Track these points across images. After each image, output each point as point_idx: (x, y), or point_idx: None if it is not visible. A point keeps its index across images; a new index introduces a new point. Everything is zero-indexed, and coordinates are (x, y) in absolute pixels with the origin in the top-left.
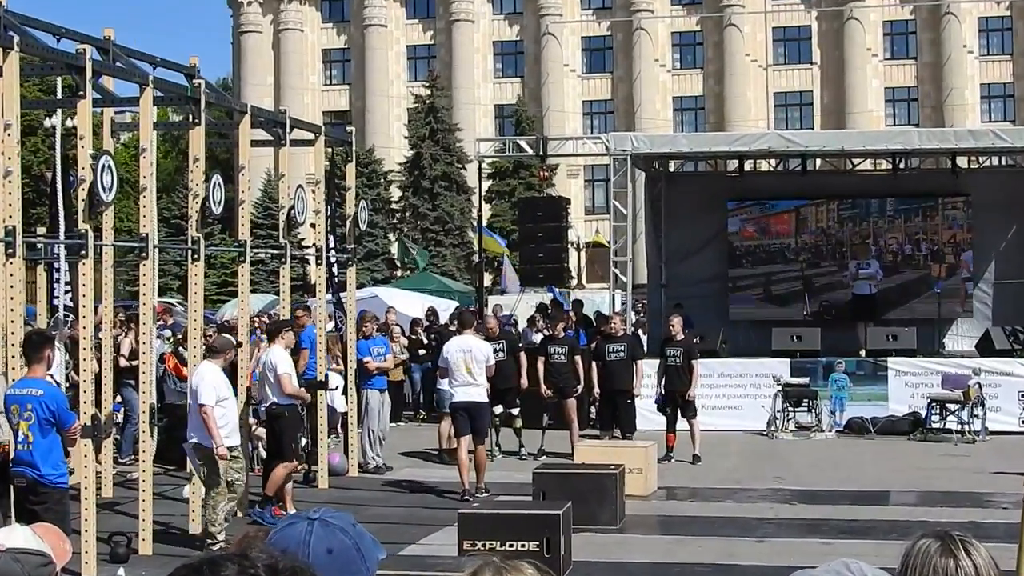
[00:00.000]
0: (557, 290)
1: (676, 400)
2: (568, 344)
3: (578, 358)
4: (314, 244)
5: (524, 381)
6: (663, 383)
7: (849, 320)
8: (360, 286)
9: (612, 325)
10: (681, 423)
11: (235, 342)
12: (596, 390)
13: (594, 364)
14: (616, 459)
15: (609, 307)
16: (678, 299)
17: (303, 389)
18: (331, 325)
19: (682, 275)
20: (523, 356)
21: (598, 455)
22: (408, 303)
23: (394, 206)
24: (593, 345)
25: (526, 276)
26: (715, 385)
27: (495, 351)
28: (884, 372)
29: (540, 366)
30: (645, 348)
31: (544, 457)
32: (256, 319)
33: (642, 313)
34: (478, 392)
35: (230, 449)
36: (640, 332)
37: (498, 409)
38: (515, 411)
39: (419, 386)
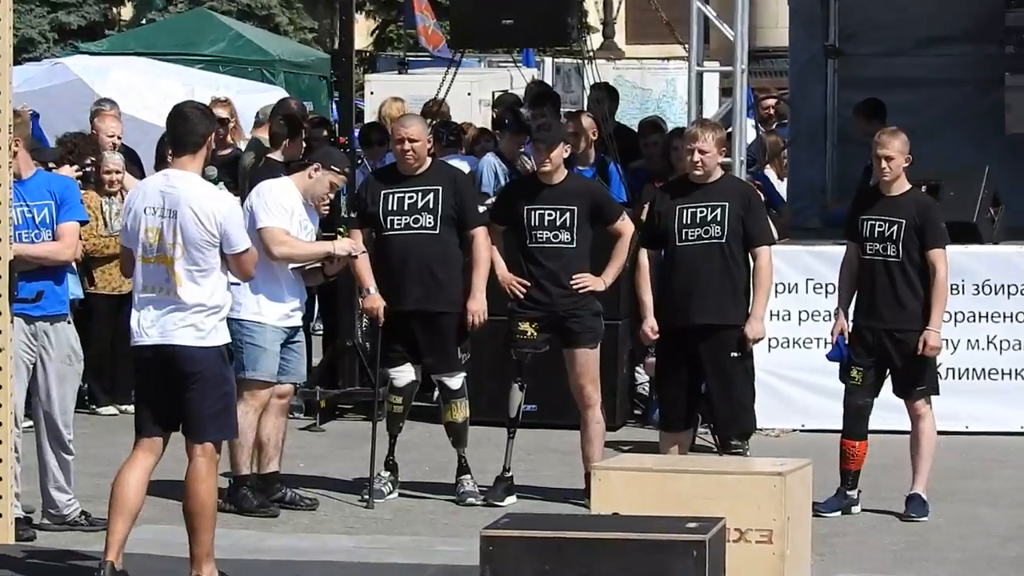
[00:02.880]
0: (549, 60)
1: (886, 351)
2: (580, 201)
3: (623, 234)
4: None
5: (478, 306)
6: (853, 308)
7: None
8: (26, 50)
9: (695, 155)
10: (892, 412)
11: None
12: (649, 324)
13: (643, 256)
14: (705, 505)
15: (688, 109)
16: (870, 88)
17: None
18: None
19: (878, 26)
20: (484, 234)
21: (654, 492)
22: (151, 92)
23: None
24: (645, 208)
25: (465, 24)
26: (974, 317)
27: (425, 211)
28: None
29: (496, 259)
30: (786, 212)
31: (512, 498)
32: None
33: (775, 124)
34: (183, 321)
35: None
36: (770, 174)
37: (402, 375)
38: (454, 379)
39: None
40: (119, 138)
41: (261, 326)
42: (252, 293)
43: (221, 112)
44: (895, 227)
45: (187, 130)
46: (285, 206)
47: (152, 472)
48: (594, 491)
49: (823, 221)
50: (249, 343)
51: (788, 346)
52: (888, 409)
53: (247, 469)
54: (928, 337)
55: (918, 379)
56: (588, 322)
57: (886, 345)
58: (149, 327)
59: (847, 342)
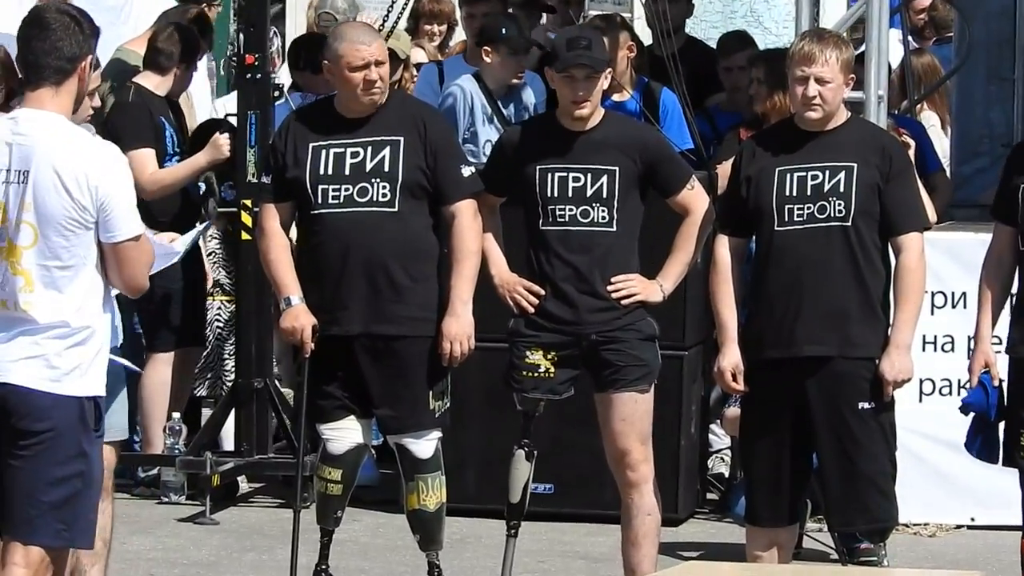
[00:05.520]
0: None
1: None
2: (626, 157)
3: (692, 211)
4: None
5: (460, 327)
6: (1012, 331)
7: None
8: None
9: (810, 88)
10: None
11: None
12: (730, 359)
13: (723, 248)
14: None
15: (796, 14)
16: None
17: None
18: None
19: None
20: (473, 211)
21: None
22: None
23: None
24: (719, 166)
25: None
26: None
27: (377, 175)
28: None
29: (491, 251)
30: (944, 180)
31: None
32: None
33: (933, 39)
34: (31, 350)
35: None
36: (928, 118)
37: (342, 435)
38: (423, 443)
39: None
40: None
41: None
42: None
43: None
44: None
45: (48, 47)
46: None
47: None
48: None
49: None
50: None
51: (949, 392)
52: None
53: None
54: None
55: None
56: (636, 351)
57: None
58: None
59: (996, 383)
